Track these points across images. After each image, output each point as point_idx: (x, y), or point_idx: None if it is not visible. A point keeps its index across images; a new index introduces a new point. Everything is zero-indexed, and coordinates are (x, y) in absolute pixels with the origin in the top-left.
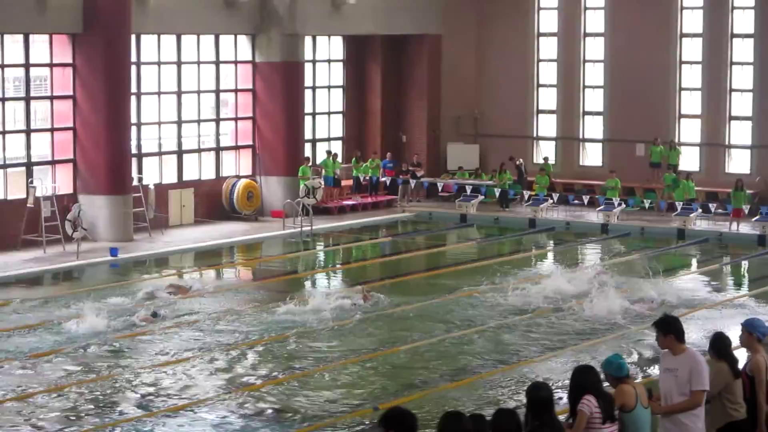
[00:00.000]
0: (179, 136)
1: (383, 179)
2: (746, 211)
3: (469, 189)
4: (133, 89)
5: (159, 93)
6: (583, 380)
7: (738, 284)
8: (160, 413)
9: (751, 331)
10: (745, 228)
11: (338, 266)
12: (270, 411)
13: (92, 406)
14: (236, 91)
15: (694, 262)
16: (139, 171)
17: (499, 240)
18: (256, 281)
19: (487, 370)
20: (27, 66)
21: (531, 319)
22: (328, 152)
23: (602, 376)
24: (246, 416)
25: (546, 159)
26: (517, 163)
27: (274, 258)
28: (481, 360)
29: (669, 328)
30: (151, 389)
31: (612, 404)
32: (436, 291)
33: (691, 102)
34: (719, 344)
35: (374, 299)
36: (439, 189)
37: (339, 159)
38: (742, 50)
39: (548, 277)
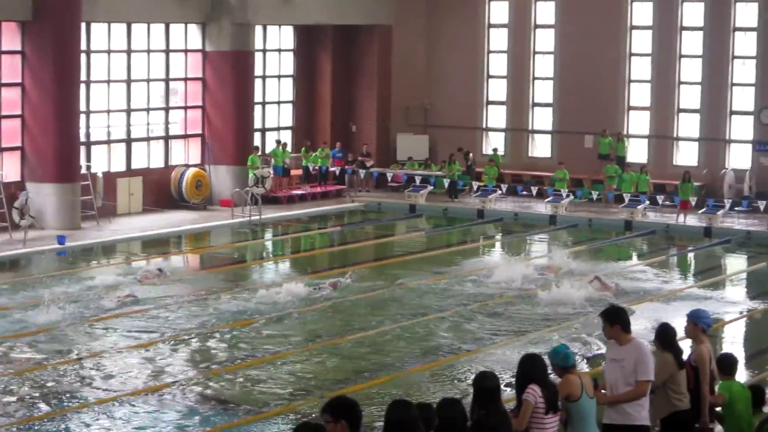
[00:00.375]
0: (128, 125)
1: (333, 169)
2: (693, 204)
3: (418, 179)
4: (83, 77)
5: (108, 81)
6: (528, 370)
7: (684, 276)
8: (106, 402)
9: (695, 322)
10: (692, 220)
11: (287, 255)
12: (215, 401)
13: (38, 394)
14: (186, 79)
15: (640, 253)
16: (88, 159)
17: (448, 230)
18: (206, 270)
19: (442, 358)
20: None
21: (489, 307)
22: (278, 142)
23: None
24: (191, 405)
25: (495, 150)
26: (465, 152)
27: (222, 247)
28: (436, 348)
29: (615, 319)
30: (99, 378)
31: (556, 395)
32: (386, 280)
33: (639, 94)
34: (664, 335)
35: (343, 285)
36: (389, 179)
37: (288, 148)
38: (691, 43)
39: (503, 266)
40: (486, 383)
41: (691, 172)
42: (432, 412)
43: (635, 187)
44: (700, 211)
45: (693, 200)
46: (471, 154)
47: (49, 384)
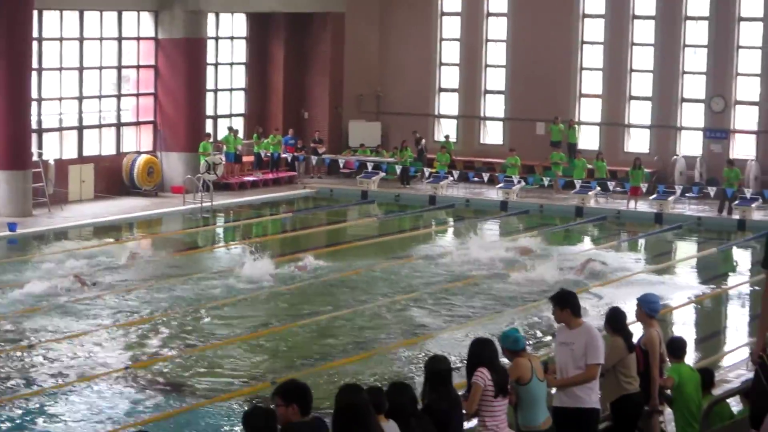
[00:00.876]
0: (80, 112)
1: (285, 155)
2: (644, 190)
3: (370, 166)
4: (35, 65)
5: (60, 69)
6: (478, 353)
7: (635, 261)
8: (58, 388)
9: (644, 306)
10: (643, 206)
11: (239, 242)
12: (168, 386)
13: None
14: (138, 67)
15: (592, 239)
16: (39, 146)
17: (400, 216)
18: (159, 256)
19: (391, 342)
20: None
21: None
22: (230, 128)
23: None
24: (143, 390)
25: (447, 137)
26: (417, 138)
27: (174, 233)
28: (387, 332)
29: (566, 302)
30: (50, 365)
31: (506, 378)
32: (340, 265)
33: (591, 82)
34: (615, 319)
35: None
36: (341, 166)
37: (240, 135)
38: (643, 31)
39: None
40: (438, 366)
41: (643, 159)
42: (382, 396)
43: (593, 174)
44: (651, 198)
45: (644, 186)
46: (423, 141)
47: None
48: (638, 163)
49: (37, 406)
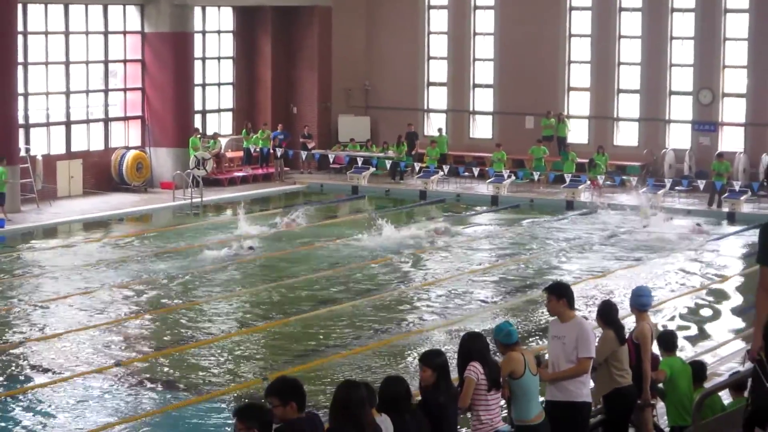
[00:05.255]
0: (67, 107)
1: (277, 150)
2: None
3: (360, 161)
4: (20, 59)
5: (47, 63)
6: (470, 347)
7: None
8: (48, 385)
9: (636, 299)
10: (634, 200)
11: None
12: (157, 383)
13: None
14: (125, 61)
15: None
16: (27, 142)
17: (391, 211)
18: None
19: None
20: None
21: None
22: (196, 129)
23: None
24: (133, 386)
25: (440, 131)
26: (413, 132)
27: (167, 228)
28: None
29: (564, 292)
30: (40, 361)
31: (498, 372)
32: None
33: (579, 75)
34: (606, 312)
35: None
36: (331, 161)
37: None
38: (630, 24)
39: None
40: (440, 360)
41: (633, 153)
42: (372, 390)
43: (583, 168)
44: (641, 191)
45: (600, 179)
46: (417, 136)
47: None
48: (601, 150)
49: (26, 405)
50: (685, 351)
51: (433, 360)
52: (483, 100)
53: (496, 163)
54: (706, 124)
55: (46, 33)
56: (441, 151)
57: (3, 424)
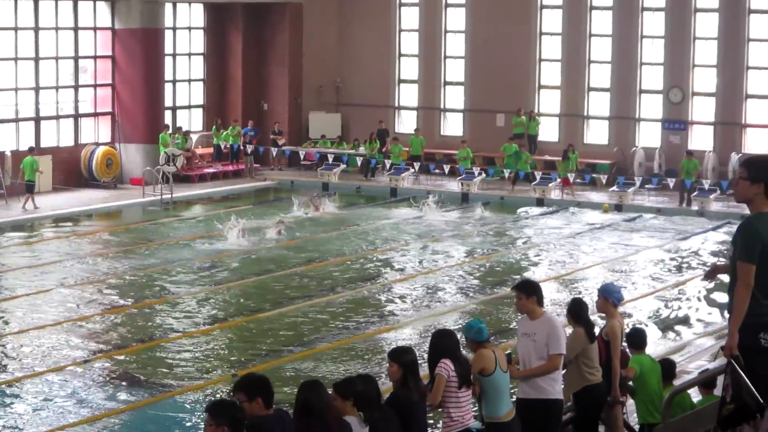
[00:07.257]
0: (37, 103)
1: (247, 146)
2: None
3: (331, 158)
4: None
5: (16, 59)
6: (441, 344)
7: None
8: (19, 380)
9: (606, 296)
10: (603, 197)
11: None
12: (129, 379)
13: None
14: (95, 57)
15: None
16: None
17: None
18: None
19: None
20: None
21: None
22: (166, 126)
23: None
24: (103, 384)
25: (417, 130)
26: (384, 129)
27: (136, 224)
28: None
29: (533, 290)
30: (9, 358)
31: (468, 369)
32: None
33: (550, 73)
34: (576, 309)
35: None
36: (302, 157)
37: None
38: (601, 22)
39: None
40: (409, 357)
41: (603, 151)
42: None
43: (553, 166)
44: (609, 189)
45: (571, 176)
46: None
47: None
48: (571, 149)
49: None
50: (654, 348)
51: (399, 357)
52: (454, 97)
53: (462, 160)
54: (675, 122)
55: (16, 29)
56: (415, 152)
57: None
